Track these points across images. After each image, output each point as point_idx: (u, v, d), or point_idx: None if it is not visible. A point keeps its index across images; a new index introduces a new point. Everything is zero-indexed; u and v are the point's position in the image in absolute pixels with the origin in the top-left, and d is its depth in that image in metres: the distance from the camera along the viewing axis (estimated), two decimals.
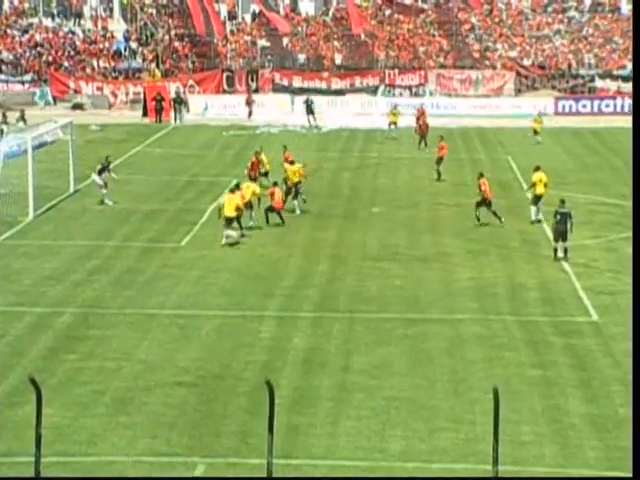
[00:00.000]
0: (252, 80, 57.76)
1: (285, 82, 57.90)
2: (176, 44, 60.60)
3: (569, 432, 16.07)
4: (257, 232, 28.95)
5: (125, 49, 60.32)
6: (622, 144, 42.69)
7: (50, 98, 56.56)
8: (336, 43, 61.03)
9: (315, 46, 60.61)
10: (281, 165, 32.89)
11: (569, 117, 53.31)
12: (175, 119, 51.97)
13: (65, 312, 21.56)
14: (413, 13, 63.03)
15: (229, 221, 27.40)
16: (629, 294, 21.42)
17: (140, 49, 60.51)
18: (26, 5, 63.26)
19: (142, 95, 54.55)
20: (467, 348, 19.80)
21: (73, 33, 61.58)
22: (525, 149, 43.54)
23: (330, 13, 63.86)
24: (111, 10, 63.83)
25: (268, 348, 19.64)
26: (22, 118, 46.73)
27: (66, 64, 58.97)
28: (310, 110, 50.56)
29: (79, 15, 63.23)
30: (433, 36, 61.47)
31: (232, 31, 62.07)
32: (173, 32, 61.51)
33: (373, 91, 57.56)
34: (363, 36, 61.11)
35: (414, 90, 57.55)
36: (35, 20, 62.35)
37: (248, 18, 63.51)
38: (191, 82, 57.19)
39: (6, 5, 63.08)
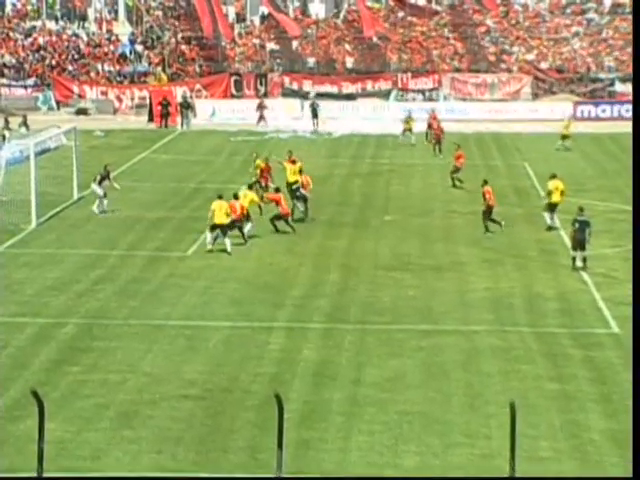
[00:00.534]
0: (261, 84, 57.90)
1: (295, 86, 58.02)
2: (183, 47, 60.79)
3: (588, 448, 16.01)
4: (266, 240, 28.98)
5: (130, 52, 60.53)
6: None
7: (53, 103, 56.77)
8: (347, 46, 61.13)
9: (326, 49, 60.72)
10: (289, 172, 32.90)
11: (588, 122, 53.22)
12: (182, 124, 52.09)
13: (68, 323, 21.60)
14: (427, 15, 63.10)
15: (222, 228, 27.42)
16: None
17: (146, 52, 60.71)
18: (29, 7, 63.53)
19: (148, 100, 54.71)
20: (483, 361, 19.76)
21: (77, 36, 61.83)
22: (543, 155, 43.48)
23: (341, 15, 63.98)
24: (116, 12, 64.07)
25: (277, 360, 19.63)
26: (24, 123, 46.91)
27: (70, 68, 59.20)
28: (315, 114, 50.63)
29: (83, 18, 63.48)
30: (447, 39, 61.51)
31: (240, 34, 62.24)
32: (180, 35, 61.71)
33: (385, 95, 57.60)
34: (375, 39, 61.19)
35: (427, 94, 57.58)
36: (38, 23, 62.62)
37: (257, 21, 63.66)
38: (198, 86, 57.34)
39: (8, 7, 63.38)
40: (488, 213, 29.71)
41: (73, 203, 33.44)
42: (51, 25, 62.65)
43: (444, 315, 22.66)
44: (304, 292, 24.23)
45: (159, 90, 54.88)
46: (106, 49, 60.84)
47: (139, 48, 61.00)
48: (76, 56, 60.06)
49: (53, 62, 59.31)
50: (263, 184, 33.44)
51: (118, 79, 58.84)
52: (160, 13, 63.70)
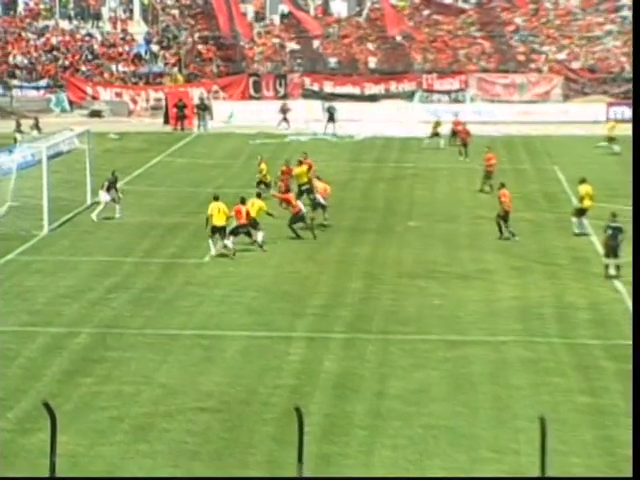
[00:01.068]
0: (280, 85, 58.03)
1: (316, 87, 58.10)
2: (200, 47, 61.01)
3: (623, 465, 15.90)
4: (286, 248, 29.02)
5: (146, 52, 60.80)
6: None
7: (66, 105, 57.11)
8: (370, 45, 61.17)
9: (348, 49, 60.78)
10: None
11: (622, 124, 53.00)
12: (199, 127, 52.27)
13: (81, 332, 21.69)
14: (453, 13, 63.04)
15: (220, 230, 27.50)
16: None
17: (162, 52, 60.96)
18: (42, 6, 63.94)
19: (164, 102, 54.92)
20: (511, 373, 19.70)
21: (91, 36, 62.18)
22: (574, 159, 43.32)
23: (364, 13, 64.03)
24: (131, 11, 64.38)
25: (297, 372, 19.63)
26: (36, 126, 47.20)
27: (83, 69, 59.54)
28: (332, 118, 50.59)
29: (97, 17, 63.83)
30: (474, 38, 61.42)
31: (259, 33, 62.40)
32: (197, 34, 61.94)
33: (409, 97, 57.59)
34: (399, 38, 61.20)
35: (453, 96, 57.52)
36: (51, 22, 63.03)
37: (277, 19, 63.81)
38: (216, 87, 57.53)
39: (21, 7, 63.83)
40: (504, 218, 29.69)
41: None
42: (64, 24, 63.04)
43: (471, 325, 22.60)
44: (325, 301, 24.23)
45: (175, 91, 55.09)
46: (121, 49, 61.15)
47: (155, 48, 61.26)
48: (90, 56, 60.40)
49: (66, 63, 59.66)
50: (283, 188, 33.56)
51: (133, 80, 59.12)
52: (177, 12, 63.96)
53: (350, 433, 16.92)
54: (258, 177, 34.76)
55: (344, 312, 23.38)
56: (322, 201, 30.95)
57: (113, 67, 59.72)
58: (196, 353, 20.62)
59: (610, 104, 55.66)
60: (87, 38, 61.99)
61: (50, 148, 34.26)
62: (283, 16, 63.66)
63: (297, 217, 29.73)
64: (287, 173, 34.25)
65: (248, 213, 28.12)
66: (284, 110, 52.68)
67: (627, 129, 51.11)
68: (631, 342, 21.48)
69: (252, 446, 16.45)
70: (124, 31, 62.74)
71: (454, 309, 23.69)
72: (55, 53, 60.29)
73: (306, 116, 53.88)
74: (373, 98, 57.50)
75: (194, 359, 20.27)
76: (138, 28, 62.66)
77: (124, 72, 59.51)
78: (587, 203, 29.96)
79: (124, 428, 17.02)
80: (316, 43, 61.38)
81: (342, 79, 58.47)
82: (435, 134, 46.30)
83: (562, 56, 59.99)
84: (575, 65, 59.20)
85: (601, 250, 27.00)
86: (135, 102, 57.35)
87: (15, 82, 58.01)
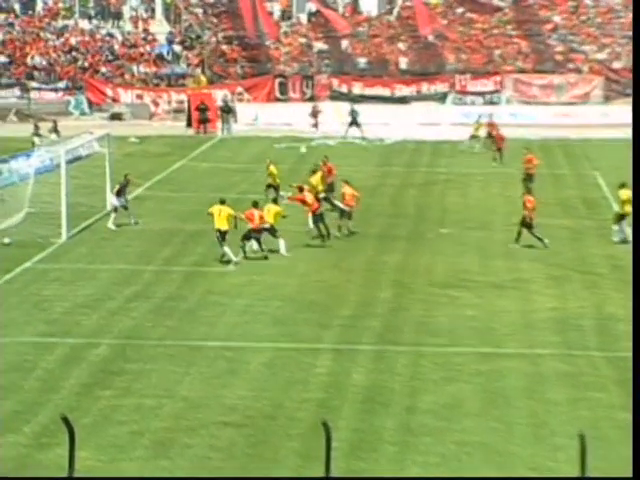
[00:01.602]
0: (307, 87, 58.12)
1: (344, 89, 58.15)
2: (224, 47, 61.24)
3: None
4: (312, 255, 29.05)
5: (168, 53, 61.11)
6: None
7: (86, 107, 57.47)
8: (401, 45, 61.17)
9: (378, 49, 60.82)
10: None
11: None
12: (222, 130, 52.44)
13: (101, 343, 21.80)
14: (488, 11, 62.92)
15: (221, 233, 27.71)
16: None
17: (184, 53, 61.26)
18: (60, 6, 64.41)
19: (186, 104, 55.14)
20: (548, 387, 19.62)
21: (111, 36, 62.58)
22: (616, 163, 43.07)
23: (395, 12, 64.03)
24: (153, 10, 64.71)
25: (324, 385, 19.64)
26: (55, 129, 47.51)
27: (103, 70, 59.91)
28: (355, 121, 50.57)
29: (118, 16, 64.23)
30: (510, 37, 61.27)
31: (286, 33, 62.56)
32: (221, 34, 62.17)
33: (442, 99, 57.51)
34: (431, 37, 61.17)
35: (488, 98, 57.38)
36: (70, 22, 63.48)
37: (304, 18, 63.94)
38: (240, 89, 57.72)
39: (39, 6, 64.33)
40: (528, 225, 29.67)
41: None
42: (84, 24, 63.47)
43: (506, 337, 22.53)
44: (353, 311, 24.23)
45: (198, 93, 55.30)
46: (142, 50, 61.48)
47: (177, 48, 61.56)
48: (110, 57, 60.77)
49: (86, 64, 60.05)
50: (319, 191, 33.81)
51: (155, 82, 59.42)
52: (200, 11, 64.23)
53: (379, 449, 16.89)
54: (272, 182, 34.87)
55: (373, 323, 23.36)
56: (341, 206, 30.88)
57: (134, 68, 60.04)
58: (219, 365, 20.67)
59: None
60: (107, 38, 62.38)
61: (69, 152, 34.47)
62: (310, 15, 63.77)
63: (317, 215, 29.79)
64: (328, 173, 34.29)
65: (261, 217, 28.23)
66: (315, 113, 52.66)
67: None
68: None
69: (278, 462, 16.46)
70: (145, 31, 63.09)
71: (488, 320, 23.62)
72: (74, 54, 60.69)
73: (334, 119, 53.91)
74: (404, 100, 57.46)
75: (217, 371, 20.32)
76: (160, 28, 62.98)
77: (145, 73, 59.82)
78: (628, 208, 29.84)
79: (144, 443, 17.08)
80: (345, 43, 61.43)
81: (372, 80, 58.49)
82: (474, 136, 46.16)
83: (603, 56, 59.72)
84: (616, 65, 58.91)
85: None
86: (157, 104, 57.62)
87: (33, 84, 58.44)
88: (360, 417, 18.12)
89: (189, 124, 53.56)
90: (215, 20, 63.53)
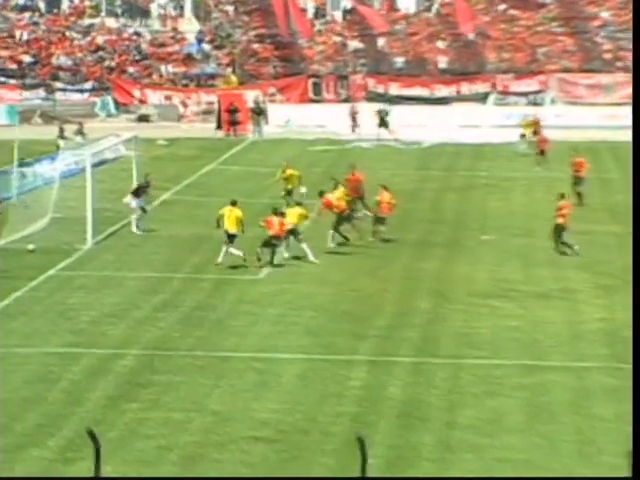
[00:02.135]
0: (342, 87, 58.18)
1: (380, 89, 58.15)
2: (255, 46, 61.45)
3: None
4: (346, 263, 29.05)
5: (197, 52, 61.40)
6: None
7: (112, 109, 57.86)
8: (440, 44, 61.11)
9: (416, 47, 60.78)
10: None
11: None
12: (253, 132, 52.59)
13: (127, 354, 21.91)
14: (532, 7, 62.74)
15: (231, 238, 27.92)
16: None
17: (214, 52, 61.53)
18: (87, 3, 64.89)
19: (216, 105, 55.36)
20: (595, 402, 19.51)
21: (139, 35, 62.96)
22: None
23: (434, 9, 64.00)
24: (182, 8, 65.06)
25: (359, 398, 19.63)
26: (80, 132, 47.85)
27: (131, 70, 60.29)
28: (384, 122, 50.52)
29: (146, 14, 64.62)
30: (555, 34, 61.05)
31: (320, 31, 62.68)
32: (252, 33, 62.39)
33: (482, 99, 57.38)
34: (472, 35, 61.06)
35: (531, 98, 57.18)
36: (97, 20, 63.95)
37: (338, 16, 64.04)
38: (272, 90, 57.88)
39: (65, 4, 64.84)
40: (558, 232, 29.58)
41: (144, 216, 33.88)
42: (111, 23, 63.91)
43: (550, 349, 22.42)
44: (389, 321, 24.20)
45: (228, 94, 55.50)
46: (171, 49, 61.82)
47: (207, 47, 61.85)
48: (138, 57, 61.15)
49: (112, 64, 60.47)
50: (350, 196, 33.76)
51: (183, 82, 59.72)
52: (231, 8, 64.49)
53: (417, 466, 16.85)
54: (290, 187, 34.94)
55: (410, 334, 23.33)
56: (368, 214, 30.79)
57: (162, 68, 60.38)
58: (250, 377, 20.71)
59: None
60: (135, 37, 62.77)
61: (95, 155, 34.68)
62: (345, 12, 63.86)
63: (342, 217, 29.79)
64: (354, 181, 34.29)
65: (281, 224, 28.28)
66: (353, 114, 52.60)
67: None
68: None
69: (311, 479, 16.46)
70: (174, 29, 63.42)
71: (532, 331, 23.52)
72: (101, 53, 61.13)
73: (369, 121, 53.90)
74: (443, 101, 57.39)
75: (248, 384, 20.36)
76: (189, 26, 63.30)
77: (174, 73, 60.13)
78: None
79: (172, 458, 17.14)
80: (381, 41, 61.46)
81: (409, 80, 58.47)
82: (523, 135, 45.93)
83: None
84: None
85: None
86: (186, 106, 57.89)
87: (58, 85, 58.91)
88: (397, 432, 18.09)
89: (219, 126, 53.76)
90: (246, 18, 63.75)
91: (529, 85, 57.78)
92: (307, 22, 62.44)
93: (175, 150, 48.18)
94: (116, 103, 57.96)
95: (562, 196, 30.62)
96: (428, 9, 64.26)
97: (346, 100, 56.92)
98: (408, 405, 19.28)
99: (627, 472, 12.44)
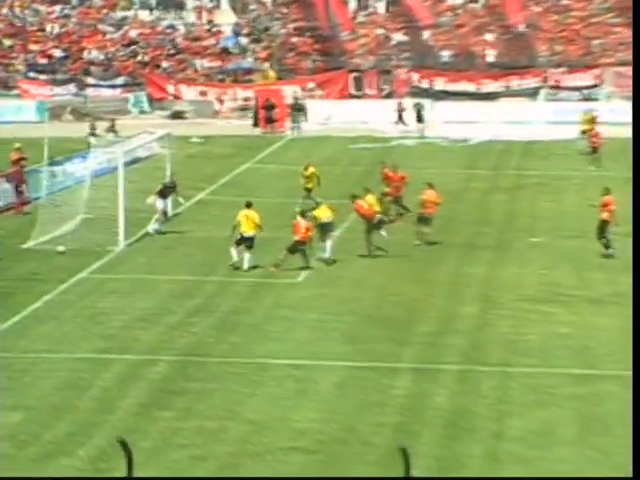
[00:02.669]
0: (385, 82, 58.16)
1: (425, 84, 58.07)
2: (294, 40, 61.59)
3: None
4: (388, 266, 29.03)
5: (234, 46, 61.61)
6: None
7: (145, 105, 58.21)
8: (489, 36, 60.93)
9: (463, 40, 60.64)
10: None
11: None
12: (292, 129, 52.69)
13: (160, 361, 22.02)
14: None
15: (248, 240, 28.14)
16: None
17: (252, 46, 61.72)
18: None
19: (253, 101, 55.53)
20: None
21: (173, 28, 63.31)
22: None
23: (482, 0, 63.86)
24: (218, 0, 65.33)
25: (402, 408, 19.62)
26: (112, 129, 48.15)
27: (165, 65, 60.63)
28: (419, 116, 50.43)
29: (180, 6, 64.98)
30: (611, 25, 60.68)
31: (362, 23, 62.70)
32: (291, 25, 62.55)
33: (533, 94, 57.15)
34: (522, 27, 60.83)
35: (585, 93, 56.85)
36: (129, 13, 64.41)
37: (381, 7, 64.07)
38: (311, 85, 57.96)
39: None
40: (601, 229, 29.40)
41: (167, 220, 34.08)
42: (144, 15, 64.33)
43: (604, 357, 22.30)
44: (434, 327, 24.17)
45: (266, 90, 55.66)
46: (206, 42, 62.10)
47: (244, 41, 62.06)
48: (172, 51, 61.49)
49: (146, 58, 60.84)
50: (392, 196, 33.75)
51: (219, 77, 59.97)
52: (269, 0, 64.67)
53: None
54: (310, 186, 35.15)
55: (456, 340, 23.28)
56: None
57: (197, 63, 60.67)
58: (288, 385, 20.75)
59: None
60: (169, 30, 63.12)
61: (127, 154, 34.89)
62: (389, 3, 63.86)
63: (372, 224, 29.76)
64: (392, 179, 34.27)
65: (307, 229, 28.35)
66: (400, 110, 52.46)
67: None
68: None
69: None
70: (210, 22, 63.71)
71: (584, 338, 23.40)
72: (134, 47, 61.53)
73: (413, 117, 53.85)
74: (491, 96, 57.22)
75: (285, 392, 20.40)
76: (226, 19, 63.55)
77: (209, 68, 60.41)
78: None
79: (207, 469, 17.21)
80: (426, 34, 61.40)
81: (456, 75, 58.37)
82: (584, 132, 45.63)
83: None
84: None
85: None
86: (221, 102, 58.12)
87: (89, 80, 59.35)
88: (442, 443, 18.06)
89: (256, 123, 53.92)
90: (285, 10, 63.92)
91: (582, 79, 57.46)
92: (348, 14, 62.47)
93: (210, 148, 48.36)
94: (149, 99, 58.31)
95: (607, 191, 30.48)
96: (475, 0, 64.10)
97: (389, 96, 56.90)
98: (454, 415, 19.24)
99: None
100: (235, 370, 21.52)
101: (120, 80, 59.49)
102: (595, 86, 57.11)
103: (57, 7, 64.47)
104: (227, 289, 27.19)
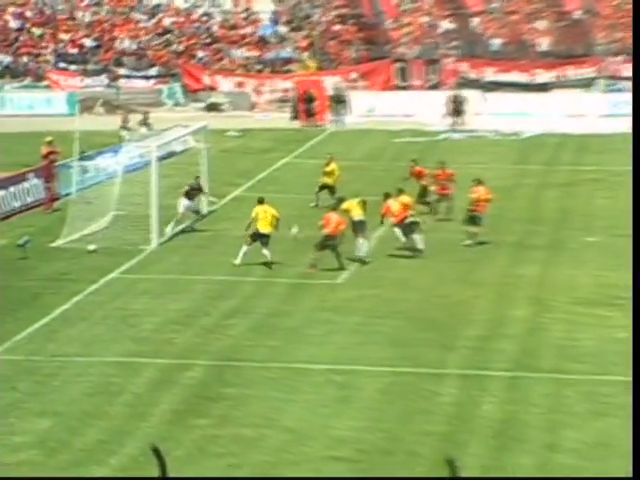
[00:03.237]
0: (432, 72, 58.07)
1: (474, 75, 57.92)
2: (337, 28, 61.62)
3: None
4: (433, 266, 29.00)
5: (272, 35, 61.75)
6: None
7: (180, 97, 58.49)
8: (542, 23, 60.66)
9: (514, 28, 60.42)
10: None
11: None
12: (333, 122, 52.73)
13: (194, 365, 22.12)
14: None
15: (263, 237, 28.34)
16: None
17: (291, 35, 61.82)
18: None
19: (292, 93, 55.63)
20: None
21: (209, 16, 63.55)
22: None
23: None
24: None
25: (449, 416, 19.60)
26: (145, 122, 48.40)
27: (200, 55, 60.88)
28: (458, 110, 50.24)
29: None
30: None
31: (407, 10, 62.64)
32: (333, 13, 62.58)
33: (589, 85, 56.86)
34: (579, 13, 60.52)
35: None
36: (163, 0, 64.67)
37: None
38: (354, 75, 57.99)
39: None
40: None
41: (202, 217, 34.25)
42: (179, 3, 64.63)
43: None
44: (483, 332, 24.12)
45: (306, 80, 55.74)
46: (243, 31, 62.28)
47: (283, 30, 62.18)
48: (208, 40, 61.72)
49: (180, 47, 61.12)
50: (439, 194, 33.77)
51: (257, 67, 60.12)
52: None
53: None
54: (328, 181, 35.29)
55: (506, 345, 23.22)
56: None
57: (234, 52, 60.85)
58: (328, 392, 20.78)
59: None
60: (205, 18, 63.36)
61: (161, 148, 35.04)
62: None
63: (404, 225, 29.67)
64: (443, 177, 34.25)
65: (338, 223, 28.37)
66: (456, 102, 52.23)
67: None
68: None
69: None
70: (247, 10, 63.89)
71: None
72: (168, 36, 61.84)
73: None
74: (544, 87, 57.01)
75: (325, 399, 20.43)
76: (264, 6, 63.70)
77: (247, 58, 60.58)
78: None
79: (244, 478, 17.27)
80: (475, 21, 61.25)
81: (507, 64, 58.19)
82: None
83: None
84: None
85: None
86: (259, 93, 58.28)
87: (122, 71, 59.71)
88: (491, 454, 18.03)
89: (295, 116, 54.03)
90: None
91: None
92: (393, 0, 62.41)
93: (247, 142, 48.51)
94: (184, 91, 58.58)
95: None
96: None
97: (435, 86, 56.82)
98: (503, 424, 19.20)
99: None
100: (273, 375, 21.59)
101: (153, 71, 59.80)
102: None
103: None
104: (264, 290, 27.26)
